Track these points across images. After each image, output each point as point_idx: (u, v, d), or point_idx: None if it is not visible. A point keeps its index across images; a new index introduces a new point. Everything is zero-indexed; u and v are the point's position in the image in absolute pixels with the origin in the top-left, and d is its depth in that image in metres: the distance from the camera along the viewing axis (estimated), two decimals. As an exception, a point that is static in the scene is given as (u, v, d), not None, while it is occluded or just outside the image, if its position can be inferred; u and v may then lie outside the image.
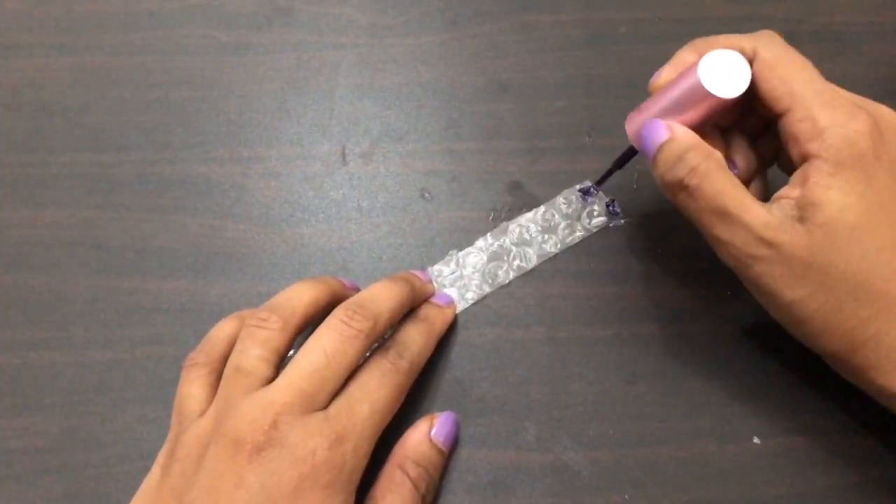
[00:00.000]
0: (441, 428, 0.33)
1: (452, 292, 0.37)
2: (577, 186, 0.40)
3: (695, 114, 0.30)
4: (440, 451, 0.32)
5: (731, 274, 0.32)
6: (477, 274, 0.38)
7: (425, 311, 0.35)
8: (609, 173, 0.38)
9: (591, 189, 0.39)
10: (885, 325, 0.28)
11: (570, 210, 0.39)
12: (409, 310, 0.35)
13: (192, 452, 0.28)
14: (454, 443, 0.34)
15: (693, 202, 0.30)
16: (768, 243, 0.28)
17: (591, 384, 0.35)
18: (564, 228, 0.39)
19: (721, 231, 0.29)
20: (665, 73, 0.32)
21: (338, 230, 0.40)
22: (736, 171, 0.32)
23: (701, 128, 0.31)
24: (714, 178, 0.29)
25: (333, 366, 0.29)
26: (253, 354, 0.29)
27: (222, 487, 0.26)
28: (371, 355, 0.31)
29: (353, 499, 0.28)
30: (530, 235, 0.39)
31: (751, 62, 0.30)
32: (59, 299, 0.38)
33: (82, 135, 0.42)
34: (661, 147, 0.31)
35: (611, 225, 0.39)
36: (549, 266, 0.38)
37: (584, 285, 0.38)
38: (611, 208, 0.39)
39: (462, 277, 0.38)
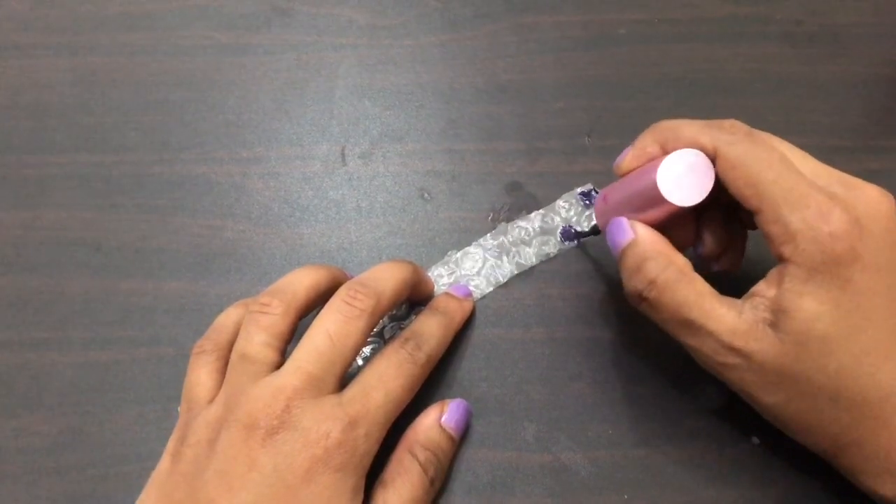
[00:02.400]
0: (451, 414, 0.33)
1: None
2: (578, 189, 0.40)
3: (656, 215, 0.29)
4: (450, 437, 0.32)
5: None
6: (476, 274, 0.38)
7: (445, 303, 0.35)
8: (569, 240, 0.38)
9: (592, 192, 0.39)
10: (866, 431, 0.27)
11: (570, 213, 0.39)
12: (425, 299, 0.35)
13: (203, 438, 0.28)
14: (465, 429, 0.34)
15: (655, 314, 0.29)
16: (737, 351, 0.27)
17: (591, 384, 0.35)
18: (563, 232, 0.39)
19: (688, 340, 0.29)
20: (628, 159, 0.31)
21: (337, 230, 0.40)
22: (701, 250, 0.32)
23: (666, 222, 0.30)
24: (674, 288, 0.28)
25: (339, 347, 0.29)
26: (257, 340, 0.29)
27: (235, 471, 0.27)
28: (389, 345, 0.32)
29: (363, 482, 0.29)
30: (529, 236, 0.39)
31: (713, 158, 0.28)
32: (58, 299, 0.38)
33: (81, 135, 0.42)
34: (624, 251, 0.30)
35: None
36: (549, 266, 0.38)
37: (584, 286, 0.38)
38: None
39: (461, 278, 0.38)
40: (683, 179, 0.28)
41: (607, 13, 0.46)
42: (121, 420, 0.35)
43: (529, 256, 0.38)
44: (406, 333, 0.32)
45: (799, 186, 0.27)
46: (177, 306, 0.37)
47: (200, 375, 0.31)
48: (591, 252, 0.38)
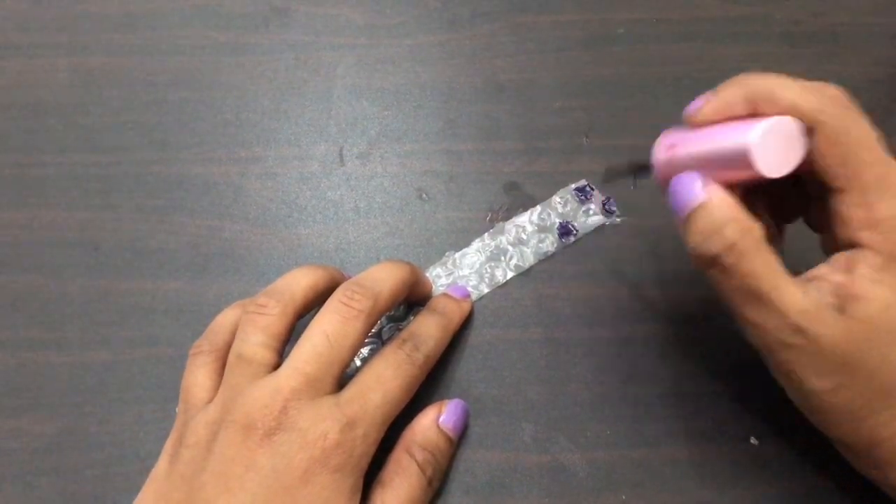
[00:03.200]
0: (449, 415, 0.33)
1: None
2: (573, 186, 0.40)
3: (733, 176, 0.27)
4: (448, 438, 0.32)
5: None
6: (474, 274, 0.38)
7: (443, 304, 0.35)
8: (618, 175, 0.34)
9: (587, 188, 0.39)
10: None
11: (567, 209, 0.39)
12: (423, 299, 0.35)
13: (202, 439, 0.28)
14: (463, 430, 0.34)
15: (726, 280, 0.27)
16: (802, 332, 0.26)
17: (589, 385, 0.35)
18: (560, 227, 0.39)
19: (753, 314, 0.27)
20: (707, 111, 0.28)
21: (335, 231, 0.40)
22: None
23: (740, 185, 0.28)
24: (751, 257, 0.26)
25: (336, 348, 0.29)
26: (254, 341, 0.29)
27: (233, 471, 0.27)
28: (387, 346, 0.32)
29: (361, 482, 0.29)
30: (527, 235, 0.39)
31: (810, 129, 0.26)
32: (56, 300, 0.38)
33: (79, 135, 0.42)
34: (694, 212, 0.27)
35: (607, 223, 0.39)
36: (547, 267, 0.38)
37: (582, 286, 0.38)
38: (607, 207, 0.39)
39: (459, 278, 0.38)
40: (774, 148, 0.26)
41: (606, 13, 0.46)
42: (119, 420, 0.35)
43: (527, 256, 0.38)
44: (404, 335, 0.32)
45: (891, 175, 0.26)
46: (175, 306, 0.37)
47: (198, 376, 0.31)
48: (589, 251, 0.38)
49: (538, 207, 0.39)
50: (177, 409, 0.31)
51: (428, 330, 0.33)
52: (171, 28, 0.46)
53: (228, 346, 0.31)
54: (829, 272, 0.27)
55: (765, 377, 0.35)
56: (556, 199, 0.40)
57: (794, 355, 0.27)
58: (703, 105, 0.28)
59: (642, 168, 0.32)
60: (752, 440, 0.34)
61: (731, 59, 0.44)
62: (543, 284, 0.38)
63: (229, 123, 0.43)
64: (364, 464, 0.29)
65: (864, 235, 0.26)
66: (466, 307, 0.36)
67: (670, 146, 0.30)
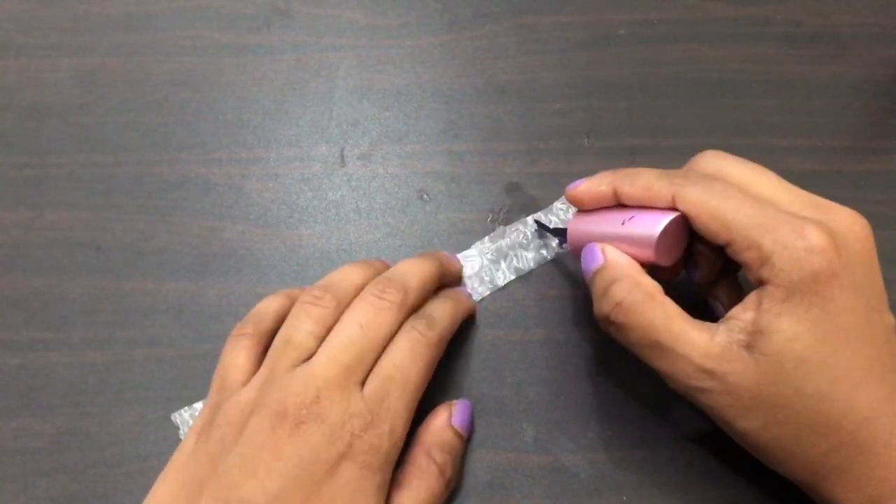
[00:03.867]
0: (459, 415, 0.33)
1: None
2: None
3: (634, 255, 0.30)
4: (461, 437, 0.33)
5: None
6: (474, 277, 0.38)
7: (453, 291, 0.36)
8: (546, 232, 0.38)
9: None
10: (846, 459, 0.26)
11: (569, 216, 0.39)
12: (453, 284, 0.36)
13: (234, 420, 0.28)
14: (471, 429, 0.34)
15: (623, 337, 0.29)
16: (710, 373, 0.27)
17: (590, 386, 0.35)
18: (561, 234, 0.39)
19: (661, 364, 0.28)
20: (580, 190, 0.32)
21: (336, 231, 0.40)
22: (698, 275, 0.32)
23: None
24: (641, 310, 0.28)
25: (370, 337, 0.29)
26: (305, 329, 0.30)
27: (261, 458, 0.27)
28: (400, 330, 0.32)
29: (389, 480, 0.29)
30: (528, 239, 0.39)
31: (672, 206, 0.29)
32: (58, 300, 0.38)
33: (81, 136, 0.42)
34: (593, 274, 0.30)
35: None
36: (548, 268, 0.38)
37: (583, 286, 0.38)
38: None
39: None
40: (670, 240, 0.29)
41: (607, 14, 0.46)
42: (120, 420, 0.35)
43: (528, 261, 0.38)
44: (415, 315, 0.32)
45: (766, 211, 0.27)
46: (176, 307, 0.37)
47: (238, 357, 0.31)
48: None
49: (541, 213, 0.39)
50: (210, 389, 0.31)
51: (438, 310, 0.33)
52: (173, 29, 0.46)
53: (271, 333, 0.31)
54: (741, 312, 0.27)
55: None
56: (558, 204, 0.39)
57: (711, 398, 0.27)
58: (579, 184, 0.32)
59: (557, 231, 0.37)
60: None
61: (732, 60, 0.44)
62: (545, 285, 0.38)
63: (231, 124, 0.43)
64: (392, 459, 0.29)
65: (763, 272, 0.27)
66: (472, 304, 0.37)
67: (580, 221, 0.33)
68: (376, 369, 0.30)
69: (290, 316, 0.31)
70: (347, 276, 0.32)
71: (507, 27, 0.46)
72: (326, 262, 0.39)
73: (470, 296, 0.37)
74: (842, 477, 0.27)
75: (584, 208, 0.33)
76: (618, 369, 0.36)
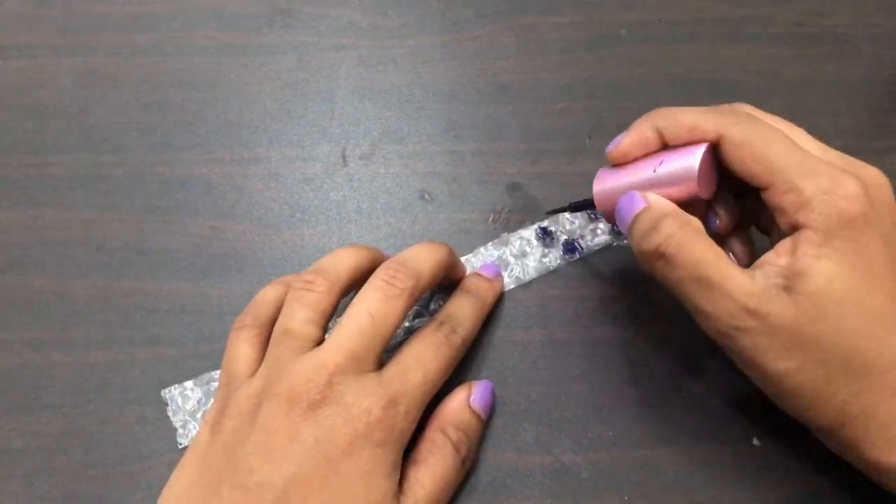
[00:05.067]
0: (479, 395, 0.33)
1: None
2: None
3: (676, 198, 0.30)
4: (479, 417, 0.33)
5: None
6: None
7: (476, 284, 0.36)
8: (560, 210, 0.38)
9: None
10: (876, 399, 0.27)
11: (574, 226, 0.39)
12: (456, 280, 0.36)
13: (245, 410, 0.29)
14: (491, 410, 0.34)
15: (671, 271, 0.29)
16: (753, 313, 0.27)
17: (591, 386, 0.35)
18: (566, 244, 0.39)
19: (703, 301, 0.28)
20: (625, 145, 0.32)
21: (338, 231, 0.40)
22: (717, 224, 0.32)
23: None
24: (692, 245, 0.28)
25: (379, 326, 0.29)
26: (301, 317, 0.30)
27: (276, 443, 0.27)
28: (425, 328, 0.32)
29: (401, 459, 0.29)
30: (530, 248, 0.39)
31: (717, 144, 0.29)
32: (59, 300, 0.38)
33: (82, 136, 0.42)
34: (636, 216, 0.30)
35: (614, 244, 0.39)
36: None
37: (584, 287, 0.38)
38: (616, 227, 0.39)
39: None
40: (705, 172, 0.30)
41: (608, 14, 0.46)
42: (122, 420, 0.35)
43: (529, 270, 0.38)
44: (440, 317, 0.33)
45: (807, 158, 0.28)
46: (177, 307, 0.37)
47: (241, 350, 0.31)
48: (591, 253, 0.38)
49: (545, 223, 0.39)
50: (218, 383, 0.31)
51: (463, 312, 0.34)
52: (174, 29, 0.46)
53: (271, 321, 0.32)
54: (775, 257, 0.28)
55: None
56: (565, 214, 0.39)
57: (749, 340, 0.27)
58: (621, 141, 0.32)
59: (579, 205, 0.36)
60: (755, 441, 0.34)
61: (734, 59, 0.44)
62: (546, 286, 0.38)
63: (232, 124, 0.43)
64: (404, 440, 0.29)
65: (801, 216, 0.27)
66: (498, 286, 0.37)
67: (606, 179, 0.33)
68: (397, 357, 0.30)
69: (285, 304, 0.31)
70: (339, 258, 0.32)
71: (508, 27, 0.46)
72: (328, 262, 0.39)
73: (499, 273, 0.37)
74: (871, 418, 0.27)
75: (628, 161, 0.32)
76: (619, 369, 0.36)
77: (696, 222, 0.29)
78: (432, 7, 0.47)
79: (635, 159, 0.32)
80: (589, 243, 0.38)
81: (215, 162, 0.41)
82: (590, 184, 0.40)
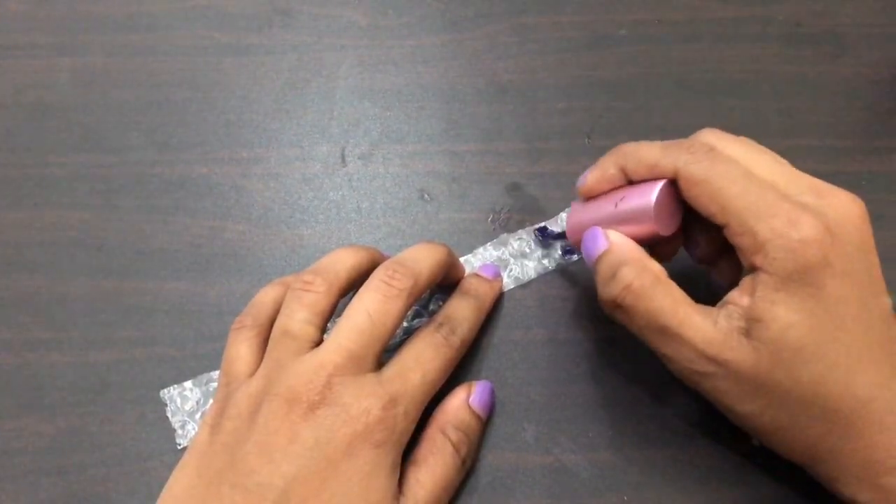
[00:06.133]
0: (479, 395, 0.33)
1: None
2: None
3: (634, 234, 0.30)
4: (479, 417, 0.33)
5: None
6: None
7: (475, 285, 0.36)
8: (548, 236, 0.38)
9: None
10: (842, 440, 0.27)
11: None
12: (455, 280, 0.36)
13: (244, 411, 0.29)
14: (491, 410, 0.34)
15: (631, 321, 0.29)
16: (713, 360, 0.27)
17: (591, 386, 0.35)
18: (564, 246, 0.38)
19: (665, 349, 0.28)
20: (590, 181, 0.32)
21: (337, 231, 0.40)
22: (695, 252, 0.32)
23: (643, 242, 0.30)
24: (650, 294, 0.28)
25: (378, 326, 0.29)
26: (299, 317, 0.30)
27: (276, 443, 0.27)
28: (424, 328, 0.32)
29: (400, 459, 0.29)
30: (530, 248, 0.38)
31: (671, 179, 0.29)
32: (59, 300, 0.38)
33: (82, 136, 0.42)
34: (597, 260, 0.30)
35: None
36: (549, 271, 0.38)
37: (584, 287, 0.38)
38: None
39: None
40: (666, 208, 0.30)
41: (608, 14, 0.46)
42: (121, 420, 0.35)
43: (529, 270, 0.38)
44: (440, 318, 0.33)
45: (765, 197, 0.27)
46: (177, 307, 0.37)
47: (240, 350, 0.31)
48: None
49: (545, 223, 0.39)
50: (217, 383, 0.31)
51: (462, 313, 0.33)
52: (174, 29, 0.46)
53: (270, 322, 0.32)
54: (738, 297, 0.28)
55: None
56: (563, 215, 0.39)
57: (711, 383, 0.28)
58: (587, 176, 0.32)
59: (557, 235, 0.38)
60: (754, 441, 0.34)
61: (733, 60, 0.44)
62: (546, 286, 0.38)
63: (231, 124, 0.43)
64: (404, 441, 0.29)
65: (757, 259, 0.27)
66: (497, 286, 0.37)
67: (577, 214, 0.33)
68: (397, 357, 0.31)
69: (284, 304, 0.31)
70: (338, 258, 0.32)
71: (507, 27, 0.46)
72: (327, 262, 0.39)
73: (498, 274, 0.37)
74: (838, 459, 0.27)
75: (593, 197, 0.33)
76: (618, 369, 0.36)
77: (655, 267, 0.29)
78: (432, 7, 0.47)
79: (601, 194, 0.32)
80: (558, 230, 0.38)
81: (215, 162, 0.41)
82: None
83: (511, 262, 0.38)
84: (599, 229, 0.31)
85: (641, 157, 0.30)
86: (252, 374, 0.30)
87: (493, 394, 0.34)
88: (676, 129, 0.42)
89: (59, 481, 0.34)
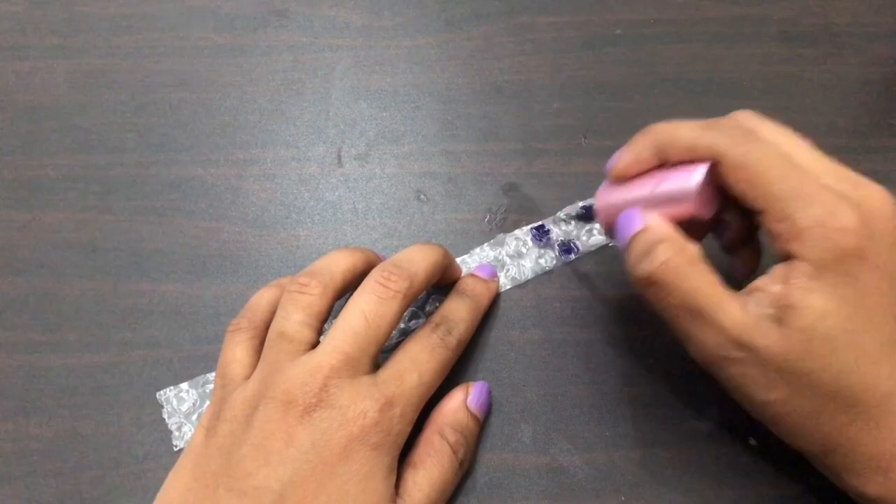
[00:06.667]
0: (476, 396, 0.33)
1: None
2: (580, 203, 0.39)
3: (670, 217, 0.30)
4: (476, 419, 0.33)
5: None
6: None
7: (472, 286, 0.36)
8: (573, 217, 0.38)
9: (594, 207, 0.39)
10: (861, 431, 0.27)
11: (570, 227, 0.39)
12: (451, 281, 0.36)
13: (240, 413, 0.29)
14: (488, 411, 0.34)
15: (664, 298, 0.28)
16: (742, 345, 0.27)
17: (588, 386, 0.35)
18: (562, 245, 0.38)
19: (693, 330, 0.28)
20: (624, 164, 0.31)
21: (333, 232, 0.40)
22: (726, 237, 0.32)
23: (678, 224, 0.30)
24: (686, 273, 0.28)
25: (374, 328, 0.29)
26: (295, 319, 0.30)
27: (273, 446, 0.27)
28: (420, 329, 0.32)
29: (397, 462, 0.29)
30: (527, 249, 0.38)
31: (715, 162, 0.29)
32: (55, 301, 0.38)
33: (77, 137, 0.42)
34: (632, 238, 0.30)
35: (609, 244, 0.39)
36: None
37: (581, 287, 0.38)
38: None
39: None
40: (705, 192, 0.29)
41: (603, 14, 0.46)
42: (117, 422, 0.35)
43: (526, 270, 0.38)
44: (436, 318, 0.33)
45: (805, 184, 0.27)
46: (173, 308, 0.37)
47: (236, 352, 0.31)
48: (588, 253, 0.38)
49: (542, 222, 0.39)
50: (213, 386, 0.31)
51: (459, 313, 0.33)
52: (169, 30, 0.46)
53: (266, 325, 0.32)
54: (768, 283, 0.27)
55: (764, 377, 0.35)
56: (560, 215, 0.39)
57: (738, 369, 0.27)
58: (619, 159, 0.31)
59: (585, 215, 0.37)
60: (751, 441, 0.34)
61: (729, 59, 0.44)
62: (542, 286, 0.38)
63: (227, 125, 0.43)
64: (400, 443, 0.29)
65: (794, 247, 0.26)
66: (494, 287, 0.37)
67: (608, 193, 0.32)
68: (393, 359, 0.30)
69: (279, 307, 0.31)
70: (333, 260, 0.32)
71: (503, 27, 0.46)
72: (323, 263, 0.38)
73: (495, 274, 0.37)
74: (853, 449, 0.27)
75: (627, 179, 0.32)
76: (616, 370, 0.36)
77: (691, 248, 0.28)
78: (428, 7, 0.47)
79: (635, 176, 0.31)
80: (586, 243, 0.38)
81: (210, 163, 0.41)
82: (586, 184, 0.40)
83: (508, 262, 0.38)
84: (637, 210, 0.30)
85: (679, 139, 0.29)
86: (248, 376, 0.30)
87: (490, 394, 0.34)
88: (673, 128, 0.42)
89: (54, 483, 0.34)
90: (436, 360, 0.31)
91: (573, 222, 0.39)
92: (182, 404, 0.35)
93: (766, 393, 0.27)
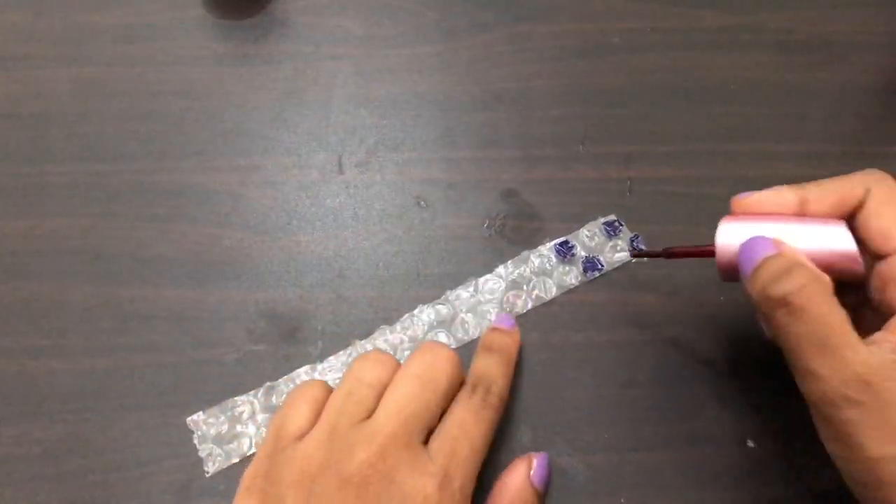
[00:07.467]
0: (539, 470, 0.32)
1: (469, 318, 0.37)
2: (602, 219, 0.39)
3: (829, 270, 0.29)
4: (539, 494, 0.32)
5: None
6: (494, 301, 0.37)
7: (497, 340, 0.34)
8: (649, 255, 0.36)
9: (616, 223, 0.39)
10: None
11: (594, 243, 0.39)
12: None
13: (297, 479, 0.28)
14: (548, 484, 0.33)
15: (794, 323, 0.27)
16: (869, 387, 0.25)
17: (587, 389, 0.35)
18: (586, 261, 0.38)
19: (817, 364, 0.26)
20: (757, 199, 0.31)
21: (334, 238, 0.40)
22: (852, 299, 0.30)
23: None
24: (821, 302, 0.26)
25: (428, 391, 0.29)
26: (367, 382, 0.30)
27: None
28: (459, 395, 0.31)
29: None
30: (551, 266, 0.39)
31: (860, 206, 0.29)
32: (58, 307, 0.38)
33: (81, 145, 0.43)
34: (766, 259, 0.28)
35: (633, 261, 0.39)
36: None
37: (579, 291, 0.38)
38: (635, 244, 0.39)
39: (480, 303, 0.37)
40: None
41: (601, 22, 0.47)
42: (120, 427, 0.35)
43: (550, 288, 0.38)
44: (472, 380, 0.32)
45: None
46: (175, 314, 0.38)
47: (301, 407, 0.30)
48: (609, 280, 0.39)
49: (565, 238, 0.39)
50: (261, 438, 0.31)
51: (491, 370, 0.32)
52: (172, 39, 0.46)
53: (328, 394, 0.31)
54: (888, 334, 0.26)
55: (761, 381, 0.35)
56: (584, 231, 0.39)
57: (856, 414, 0.25)
58: (756, 195, 0.31)
59: (672, 254, 0.33)
60: (749, 443, 0.34)
61: (725, 67, 0.45)
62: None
63: (229, 133, 0.43)
64: None
65: None
66: (517, 336, 0.36)
67: (740, 225, 0.30)
68: (440, 429, 0.29)
69: (353, 367, 0.31)
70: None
71: (502, 36, 0.46)
72: (324, 269, 0.39)
73: (514, 324, 0.36)
74: None
75: (758, 212, 0.31)
76: (615, 373, 0.36)
77: (826, 279, 0.27)
78: (427, 17, 0.47)
79: (765, 215, 0.31)
80: (610, 259, 0.38)
81: (213, 170, 0.42)
82: (584, 190, 0.41)
83: (533, 279, 0.38)
84: (770, 237, 0.29)
85: (823, 182, 0.30)
86: (302, 436, 0.30)
87: (550, 466, 0.33)
88: (670, 135, 0.42)
89: (58, 487, 0.34)
90: (484, 424, 0.30)
91: (597, 238, 0.39)
92: (211, 429, 0.35)
93: (878, 447, 0.25)
